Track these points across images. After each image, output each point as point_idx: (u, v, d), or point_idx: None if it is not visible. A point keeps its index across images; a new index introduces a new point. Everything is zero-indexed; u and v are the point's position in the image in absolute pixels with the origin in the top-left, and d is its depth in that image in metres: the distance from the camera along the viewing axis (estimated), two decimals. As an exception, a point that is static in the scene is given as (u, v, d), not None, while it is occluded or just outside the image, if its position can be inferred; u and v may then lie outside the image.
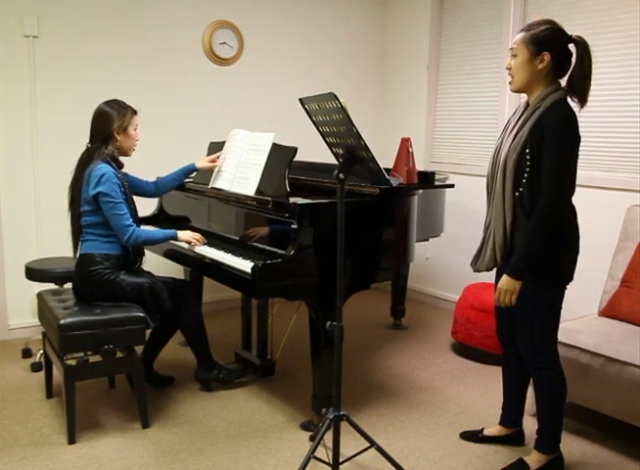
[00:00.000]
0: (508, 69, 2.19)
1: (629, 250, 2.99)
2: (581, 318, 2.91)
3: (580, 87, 2.14)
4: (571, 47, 2.13)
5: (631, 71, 3.40)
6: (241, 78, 4.41)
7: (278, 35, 4.54)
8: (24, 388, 3.07)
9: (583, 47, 2.11)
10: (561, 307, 2.26)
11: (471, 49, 4.35)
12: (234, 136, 3.22)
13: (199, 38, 4.20)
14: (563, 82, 2.18)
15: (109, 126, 2.71)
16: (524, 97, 2.27)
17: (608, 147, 3.54)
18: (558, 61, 2.13)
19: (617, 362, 2.48)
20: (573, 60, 2.13)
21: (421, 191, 3.18)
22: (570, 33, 2.13)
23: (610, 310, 2.91)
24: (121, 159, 2.82)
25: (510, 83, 2.21)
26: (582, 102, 2.17)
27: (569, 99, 2.16)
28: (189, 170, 3.18)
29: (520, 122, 2.18)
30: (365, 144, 2.03)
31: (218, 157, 3.18)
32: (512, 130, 2.21)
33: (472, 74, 4.34)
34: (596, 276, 3.27)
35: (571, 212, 2.22)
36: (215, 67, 4.30)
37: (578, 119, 2.11)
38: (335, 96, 1.99)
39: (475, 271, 2.39)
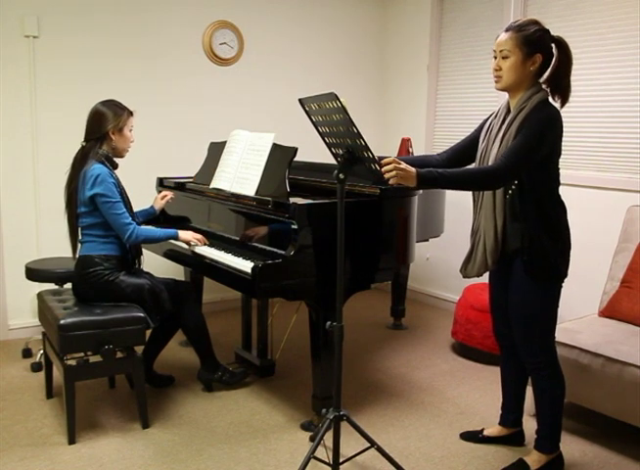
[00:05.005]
0: (497, 70, 2.17)
1: (629, 250, 2.98)
2: (581, 318, 2.91)
3: (564, 86, 2.17)
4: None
5: (632, 72, 3.39)
6: (241, 78, 4.41)
7: (278, 35, 4.54)
8: (24, 388, 3.07)
9: (566, 48, 2.14)
10: (557, 306, 2.26)
11: (471, 49, 4.34)
12: (234, 136, 3.22)
13: (199, 38, 4.20)
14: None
15: (104, 126, 2.71)
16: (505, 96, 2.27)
17: (608, 147, 3.53)
18: (545, 62, 2.15)
19: (617, 363, 2.49)
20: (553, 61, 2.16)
21: (421, 191, 3.18)
22: (552, 34, 2.15)
23: (610, 311, 2.91)
24: (118, 160, 2.82)
25: (496, 83, 2.19)
26: (565, 100, 2.19)
27: (550, 99, 2.18)
28: (148, 214, 3.16)
29: (505, 125, 2.18)
30: (366, 144, 2.02)
31: (167, 194, 3.21)
32: (497, 134, 2.21)
33: (472, 74, 4.34)
34: (596, 276, 3.27)
35: (562, 209, 2.22)
36: (215, 67, 4.29)
37: (577, 119, 2.11)
38: (336, 96, 1.98)
39: (464, 277, 2.38)
